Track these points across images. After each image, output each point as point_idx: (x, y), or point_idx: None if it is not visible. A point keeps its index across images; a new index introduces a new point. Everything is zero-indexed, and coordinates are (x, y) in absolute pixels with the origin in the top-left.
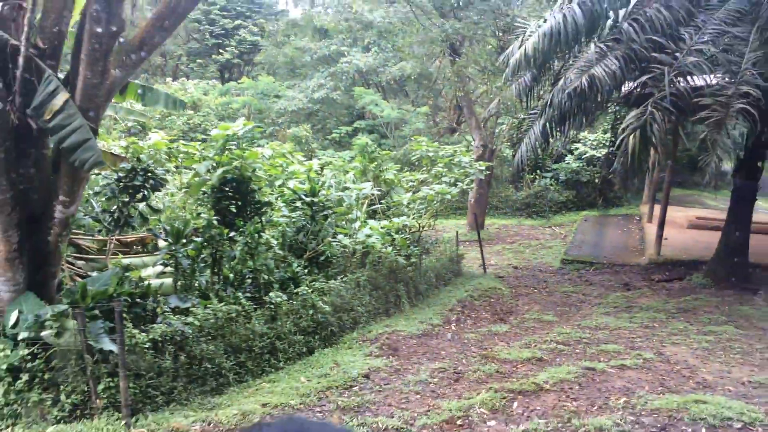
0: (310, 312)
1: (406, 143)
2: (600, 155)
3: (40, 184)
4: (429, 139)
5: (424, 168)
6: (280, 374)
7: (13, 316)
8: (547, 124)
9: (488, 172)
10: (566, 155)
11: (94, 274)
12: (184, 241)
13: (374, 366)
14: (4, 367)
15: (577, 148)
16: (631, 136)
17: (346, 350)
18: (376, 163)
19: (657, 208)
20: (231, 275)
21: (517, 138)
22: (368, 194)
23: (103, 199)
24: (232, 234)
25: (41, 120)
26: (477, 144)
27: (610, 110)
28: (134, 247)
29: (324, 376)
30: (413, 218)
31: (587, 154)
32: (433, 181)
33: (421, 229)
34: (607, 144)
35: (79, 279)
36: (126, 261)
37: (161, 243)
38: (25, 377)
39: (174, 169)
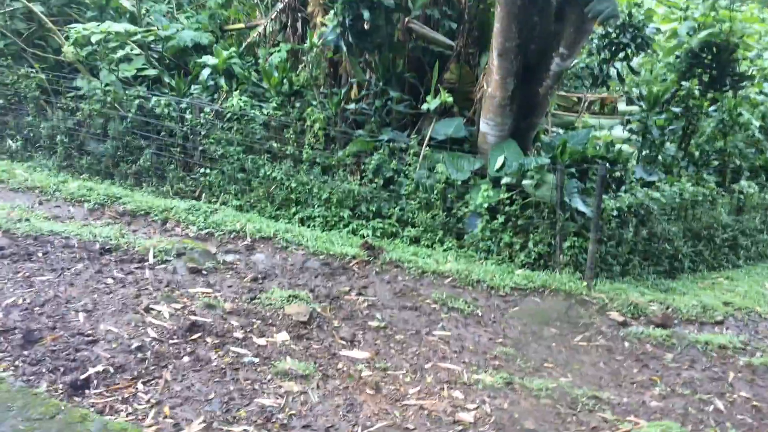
0: None
1: None
2: None
3: (540, 34)
4: None
5: None
6: (739, 273)
7: (499, 161)
8: None
9: None
10: None
11: (557, 130)
12: (658, 109)
13: None
14: (486, 205)
15: None
16: None
17: None
18: None
19: None
20: (697, 153)
21: None
22: None
23: (584, 54)
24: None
25: None
26: None
27: None
28: (591, 106)
29: None
30: None
31: None
32: None
33: None
34: None
35: (544, 134)
36: (591, 121)
37: (621, 107)
38: (500, 219)
39: None
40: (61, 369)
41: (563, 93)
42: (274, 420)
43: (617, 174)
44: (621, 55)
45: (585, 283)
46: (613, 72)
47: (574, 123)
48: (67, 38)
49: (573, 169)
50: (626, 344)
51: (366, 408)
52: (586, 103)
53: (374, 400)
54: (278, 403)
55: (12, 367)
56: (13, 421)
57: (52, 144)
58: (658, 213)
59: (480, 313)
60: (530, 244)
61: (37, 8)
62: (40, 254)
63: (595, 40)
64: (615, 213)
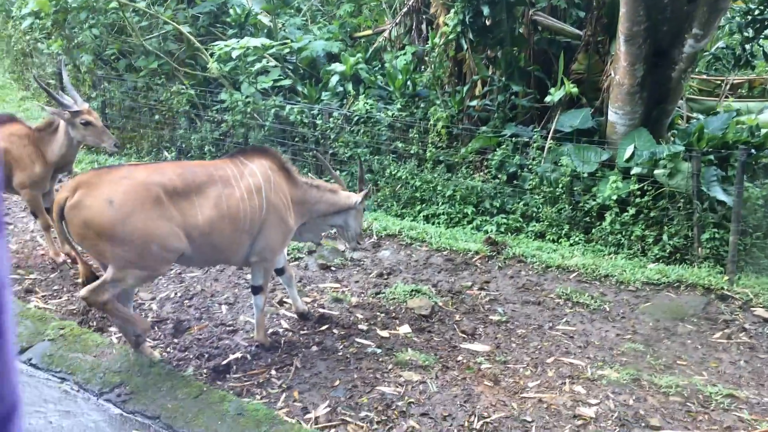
0: None
1: None
2: None
3: (672, 14)
4: None
5: None
6: None
7: (629, 151)
8: None
9: None
10: None
11: (697, 116)
12: None
13: None
14: (614, 197)
15: None
16: None
17: None
18: None
19: None
20: None
21: None
22: None
23: (726, 34)
24: None
25: None
26: None
27: None
28: (738, 89)
29: None
30: None
31: None
32: None
33: None
34: None
35: (680, 121)
36: (735, 105)
37: None
38: (631, 211)
39: None
40: (206, 355)
41: (705, 77)
42: (393, 407)
43: (764, 160)
44: (767, 32)
45: (726, 278)
46: (758, 51)
47: (716, 107)
48: (211, 55)
49: (711, 156)
50: None
51: (483, 399)
52: (728, 86)
53: (492, 391)
54: (398, 391)
55: (164, 353)
56: (162, 400)
57: (202, 154)
58: None
59: (607, 309)
60: (664, 237)
61: (186, 29)
62: None
63: (737, 18)
64: (761, 202)
